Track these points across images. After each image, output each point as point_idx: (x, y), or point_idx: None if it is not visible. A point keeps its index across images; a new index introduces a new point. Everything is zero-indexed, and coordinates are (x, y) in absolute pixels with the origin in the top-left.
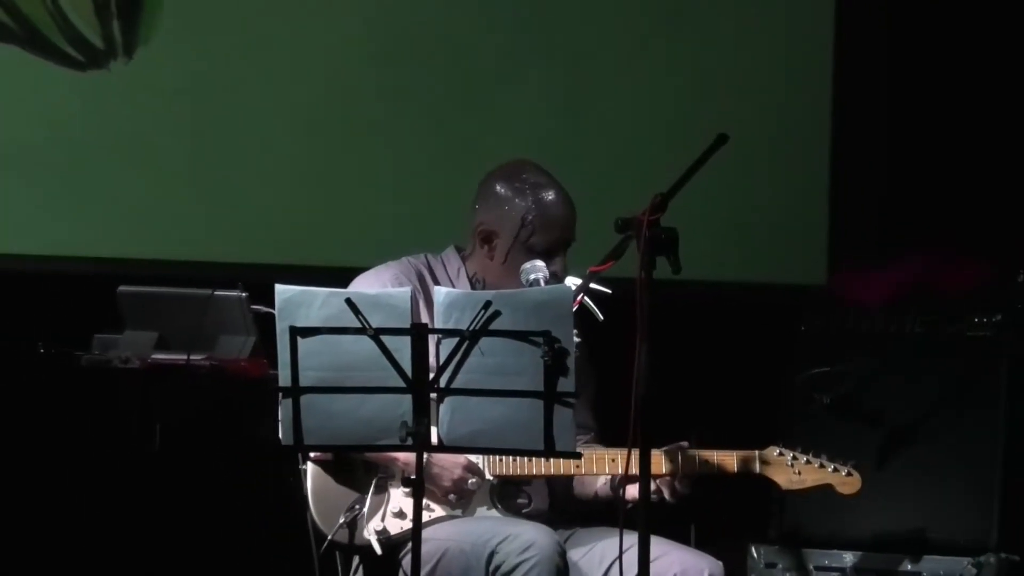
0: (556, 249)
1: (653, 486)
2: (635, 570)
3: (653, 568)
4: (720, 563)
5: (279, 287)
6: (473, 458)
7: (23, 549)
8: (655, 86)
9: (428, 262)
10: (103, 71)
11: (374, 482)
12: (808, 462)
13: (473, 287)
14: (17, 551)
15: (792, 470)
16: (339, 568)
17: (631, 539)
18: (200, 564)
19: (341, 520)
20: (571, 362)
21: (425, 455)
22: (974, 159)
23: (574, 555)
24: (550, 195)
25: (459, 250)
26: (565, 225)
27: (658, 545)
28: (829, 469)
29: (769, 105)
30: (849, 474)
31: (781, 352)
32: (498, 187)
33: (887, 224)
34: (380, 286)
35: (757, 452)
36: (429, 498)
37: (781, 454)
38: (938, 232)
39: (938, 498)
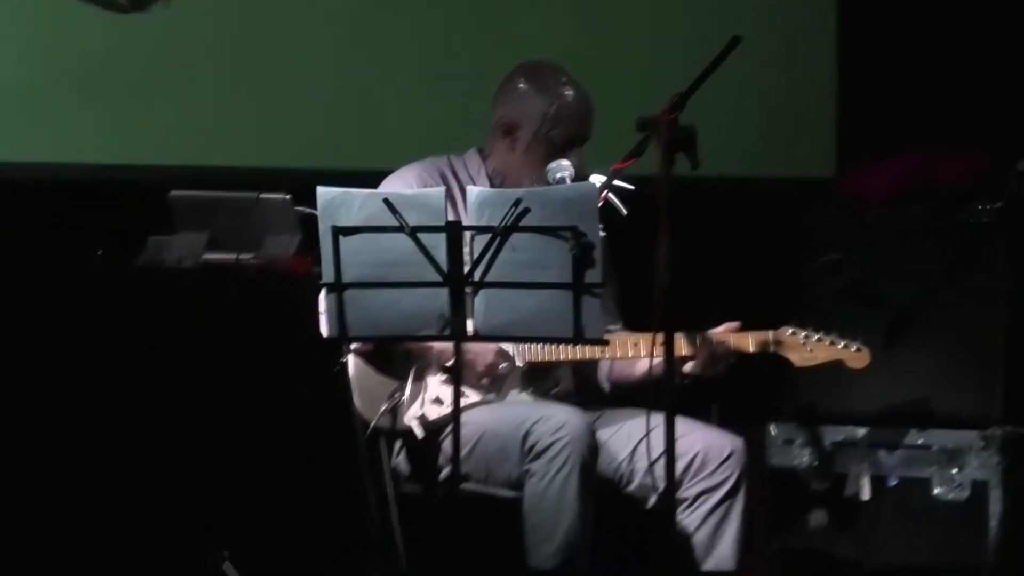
0: (573, 143)
1: (687, 367)
2: (661, 448)
3: (678, 446)
4: (741, 439)
5: (321, 189)
6: (504, 346)
7: (75, 442)
8: None
9: (451, 162)
10: (144, 14)
11: (412, 371)
12: (819, 340)
13: (491, 182)
14: (69, 443)
15: (804, 348)
16: (383, 452)
17: (657, 420)
18: (254, 453)
19: (383, 408)
20: (597, 255)
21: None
22: (979, 54)
23: (602, 435)
24: (570, 91)
25: (480, 151)
26: (583, 121)
27: (682, 424)
28: (839, 346)
29: (779, 4)
30: (859, 350)
31: (794, 242)
32: (521, 83)
33: (894, 118)
34: (405, 185)
35: (771, 332)
36: (464, 384)
37: (794, 333)
38: (942, 124)
39: (945, 375)
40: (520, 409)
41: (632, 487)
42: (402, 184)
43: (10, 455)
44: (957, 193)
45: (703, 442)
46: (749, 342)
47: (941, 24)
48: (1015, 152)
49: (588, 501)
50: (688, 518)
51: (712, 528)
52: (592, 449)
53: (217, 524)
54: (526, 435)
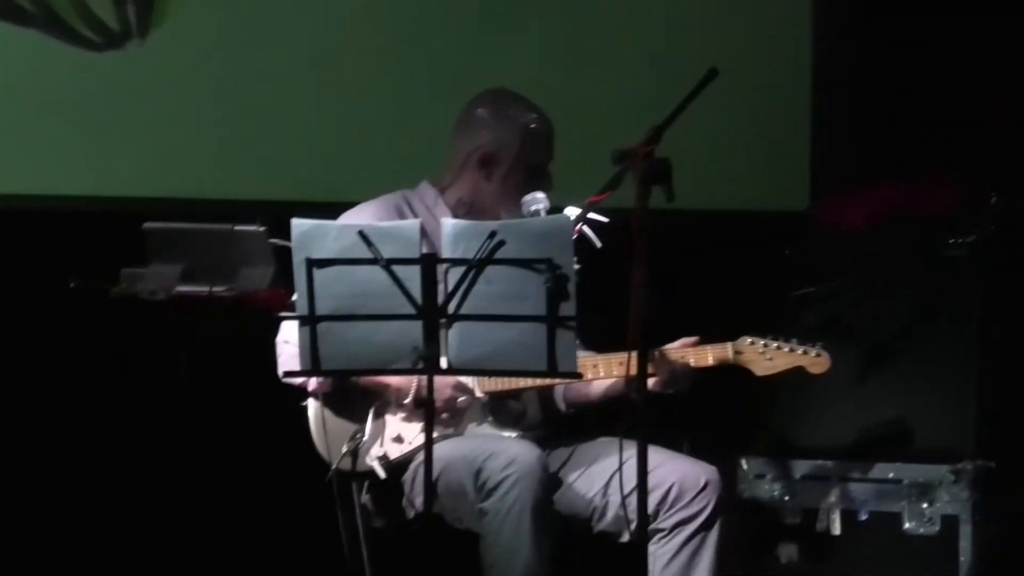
0: (546, 165)
1: (649, 386)
2: (634, 482)
3: (652, 477)
4: (715, 469)
5: (295, 221)
6: (463, 378)
7: (49, 469)
8: (646, 24)
9: (406, 198)
10: (120, 52)
11: (372, 411)
12: (779, 347)
13: (455, 214)
14: (42, 471)
15: (764, 356)
16: (352, 488)
17: (629, 452)
18: (224, 486)
19: (344, 450)
20: (572, 287)
21: (414, 378)
22: (952, 86)
23: (575, 469)
24: (537, 116)
25: (433, 184)
26: (551, 143)
27: (657, 455)
28: (799, 352)
29: (753, 37)
30: (818, 355)
31: (769, 274)
32: (487, 113)
33: (868, 150)
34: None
35: (730, 344)
36: (423, 419)
37: (753, 343)
38: (917, 157)
39: (918, 408)
40: (473, 444)
41: (606, 522)
42: (359, 221)
43: None
44: (932, 225)
45: (679, 473)
46: (708, 356)
47: (915, 58)
48: (990, 185)
49: (543, 538)
50: (662, 548)
51: (687, 559)
52: (544, 483)
53: (188, 558)
54: (478, 472)
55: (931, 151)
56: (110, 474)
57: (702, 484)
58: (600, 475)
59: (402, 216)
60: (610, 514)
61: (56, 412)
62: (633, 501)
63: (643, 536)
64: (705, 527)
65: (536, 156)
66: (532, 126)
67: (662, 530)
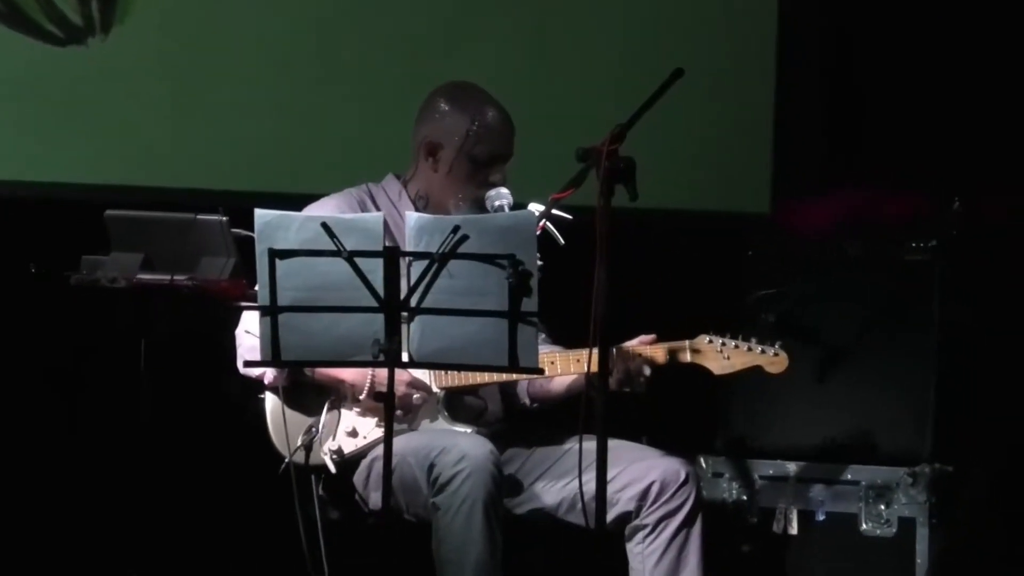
0: (496, 160)
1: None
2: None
3: (632, 472)
4: (692, 464)
5: (258, 211)
6: (419, 373)
7: (4, 458)
8: (612, 24)
9: (370, 190)
10: (82, 47)
11: (326, 404)
12: (736, 346)
13: (415, 206)
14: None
15: (722, 355)
16: (312, 480)
17: (591, 446)
18: (181, 476)
19: (299, 443)
20: (535, 283)
21: (369, 373)
22: (914, 93)
23: (539, 465)
24: (490, 109)
25: (398, 177)
26: (504, 138)
27: (634, 450)
28: (757, 351)
29: (719, 38)
30: (776, 354)
31: (730, 275)
32: (442, 103)
33: (829, 154)
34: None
35: (687, 342)
36: (377, 414)
37: (711, 341)
38: (878, 162)
39: (876, 411)
40: (427, 438)
41: (574, 513)
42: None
43: None
44: (893, 230)
45: (660, 468)
46: (665, 353)
47: (879, 63)
48: (952, 191)
49: (494, 532)
50: (649, 547)
51: (675, 555)
52: (496, 479)
53: (142, 549)
54: (431, 467)
55: (894, 156)
56: (66, 463)
57: (683, 478)
58: (564, 469)
59: (364, 210)
60: (577, 506)
61: (14, 399)
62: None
63: (601, 526)
64: (688, 522)
65: (480, 148)
66: (478, 117)
67: (645, 526)
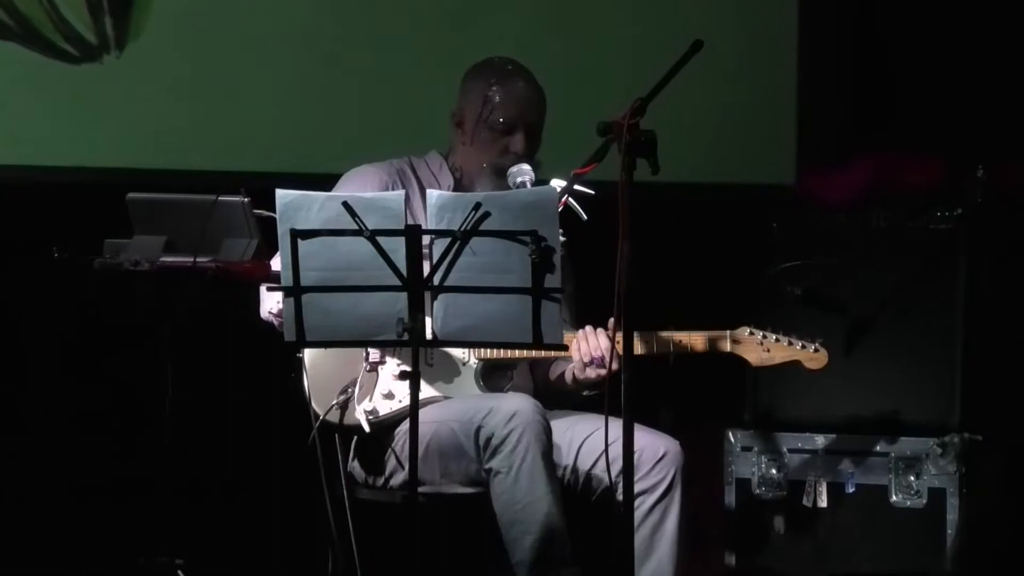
0: (515, 126)
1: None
2: (608, 446)
3: (617, 446)
4: (676, 442)
5: (280, 192)
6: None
7: (29, 441)
8: None
9: (411, 162)
10: (96, 64)
11: (366, 364)
12: (777, 340)
13: (453, 177)
14: (22, 443)
15: (762, 348)
16: (339, 455)
17: (599, 420)
18: (209, 458)
19: (334, 401)
20: (557, 259)
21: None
22: (937, 60)
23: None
24: (512, 75)
25: (440, 152)
26: (525, 103)
27: (616, 427)
28: (797, 347)
29: (739, 9)
30: (816, 351)
31: (754, 248)
32: (470, 76)
33: (853, 123)
34: (363, 186)
35: (728, 332)
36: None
37: (752, 333)
38: (903, 130)
39: (904, 382)
40: (469, 403)
41: (579, 486)
42: (360, 185)
43: None
44: (917, 200)
45: (638, 444)
46: (704, 340)
47: (902, 33)
48: (976, 159)
49: (556, 482)
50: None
51: (649, 531)
52: (547, 430)
53: (171, 530)
54: (478, 430)
55: (917, 124)
56: (90, 447)
57: (660, 454)
58: (576, 439)
59: (406, 182)
60: (582, 479)
61: (38, 383)
62: (600, 467)
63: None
64: (664, 496)
65: (495, 115)
66: (497, 84)
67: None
